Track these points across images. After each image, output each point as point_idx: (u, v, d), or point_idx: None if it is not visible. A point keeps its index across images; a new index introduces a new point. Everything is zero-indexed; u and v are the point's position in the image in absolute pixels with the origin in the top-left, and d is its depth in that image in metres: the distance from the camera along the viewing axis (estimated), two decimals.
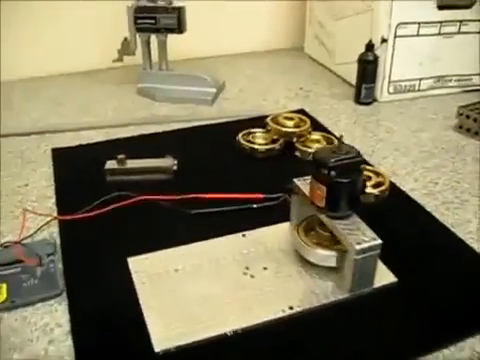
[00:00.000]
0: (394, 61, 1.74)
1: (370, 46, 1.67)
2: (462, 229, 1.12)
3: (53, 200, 1.18)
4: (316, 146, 1.38)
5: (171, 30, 1.62)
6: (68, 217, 1.09)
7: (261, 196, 1.17)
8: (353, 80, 1.83)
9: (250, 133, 1.40)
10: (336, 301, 0.90)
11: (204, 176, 1.27)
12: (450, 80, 1.86)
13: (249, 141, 1.37)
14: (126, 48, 1.69)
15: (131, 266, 0.96)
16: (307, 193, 0.99)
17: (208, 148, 1.41)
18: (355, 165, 0.90)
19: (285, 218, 1.08)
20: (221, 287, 0.92)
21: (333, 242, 0.97)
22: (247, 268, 0.96)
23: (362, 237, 0.89)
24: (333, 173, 0.88)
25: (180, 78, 1.71)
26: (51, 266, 0.96)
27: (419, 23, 1.71)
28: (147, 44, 1.70)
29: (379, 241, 0.89)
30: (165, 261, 0.97)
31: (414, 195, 1.24)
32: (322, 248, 0.96)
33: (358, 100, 1.74)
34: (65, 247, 1.01)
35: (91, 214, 1.09)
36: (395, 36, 1.70)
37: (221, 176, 1.27)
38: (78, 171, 1.29)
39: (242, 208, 1.14)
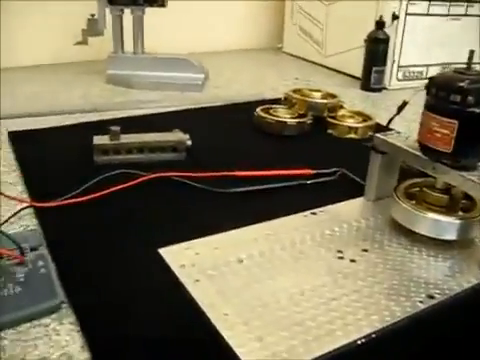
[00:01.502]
0: (404, 43, 1.52)
1: (381, 24, 1.45)
2: None
3: (19, 187, 0.82)
4: (351, 122, 1.10)
5: (152, 1, 1.32)
6: (53, 203, 0.74)
7: (311, 171, 0.88)
8: (351, 70, 1.65)
9: (269, 109, 1.11)
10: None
11: (226, 155, 0.97)
12: None
13: (273, 115, 1.07)
14: (93, 27, 1.37)
15: (168, 259, 0.63)
16: (404, 145, 0.71)
17: (222, 126, 1.11)
18: None
19: (348, 195, 0.82)
20: (317, 277, 0.60)
21: (449, 208, 0.69)
22: (340, 251, 0.66)
23: None
24: (470, 99, 0.60)
25: (161, 62, 1.41)
26: (40, 264, 0.60)
27: (429, 0, 1.51)
28: (119, 21, 1.38)
29: None
30: (219, 249, 0.64)
31: None
32: (441, 215, 0.67)
33: (367, 87, 1.50)
34: (55, 239, 0.66)
35: (84, 198, 0.75)
36: (406, 13, 1.49)
37: (246, 154, 0.98)
38: (55, 153, 0.94)
39: (293, 185, 0.84)
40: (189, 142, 0.92)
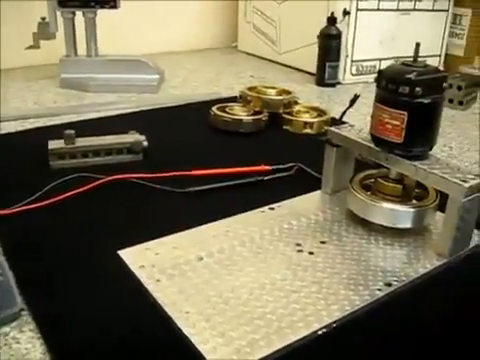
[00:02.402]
0: (356, 38, 1.55)
1: (332, 19, 1.47)
2: None
3: None
4: (306, 117, 1.12)
5: (104, 3, 1.31)
6: (9, 211, 0.72)
7: (268, 168, 0.89)
8: (306, 66, 1.66)
9: (225, 107, 1.11)
10: (437, 269, 0.63)
11: (183, 154, 0.97)
12: None
13: (229, 113, 1.08)
14: (44, 31, 1.34)
15: (128, 261, 0.62)
16: (357, 138, 0.73)
17: (178, 126, 1.11)
18: (440, 81, 0.66)
19: (306, 189, 0.83)
20: (276, 271, 0.61)
21: (404, 198, 0.71)
22: (298, 245, 0.67)
23: (462, 175, 0.63)
24: (418, 90, 0.62)
25: (115, 65, 1.39)
26: None
27: None
28: (71, 24, 1.36)
29: None
30: (179, 249, 0.65)
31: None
32: (396, 204, 0.69)
33: (322, 82, 1.52)
34: (13, 247, 0.65)
35: (41, 204, 0.74)
36: (357, 9, 1.51)
37: (204, 153, 0.98)
38: (10, 159, 0.92)
39: (250, 181, 0.85)
40: (145, 143, 0.92)
